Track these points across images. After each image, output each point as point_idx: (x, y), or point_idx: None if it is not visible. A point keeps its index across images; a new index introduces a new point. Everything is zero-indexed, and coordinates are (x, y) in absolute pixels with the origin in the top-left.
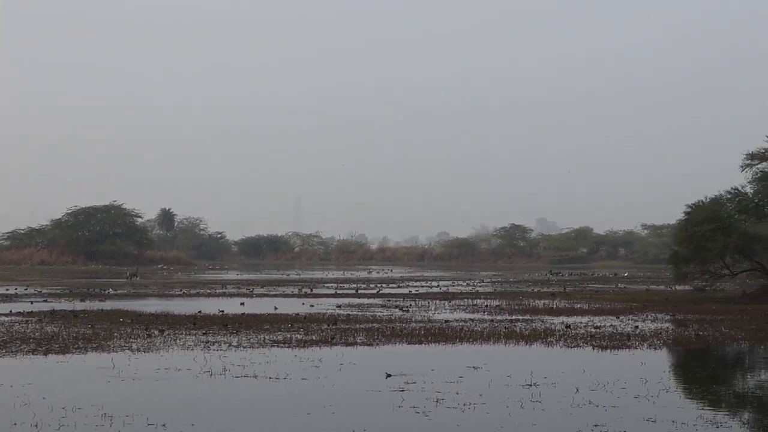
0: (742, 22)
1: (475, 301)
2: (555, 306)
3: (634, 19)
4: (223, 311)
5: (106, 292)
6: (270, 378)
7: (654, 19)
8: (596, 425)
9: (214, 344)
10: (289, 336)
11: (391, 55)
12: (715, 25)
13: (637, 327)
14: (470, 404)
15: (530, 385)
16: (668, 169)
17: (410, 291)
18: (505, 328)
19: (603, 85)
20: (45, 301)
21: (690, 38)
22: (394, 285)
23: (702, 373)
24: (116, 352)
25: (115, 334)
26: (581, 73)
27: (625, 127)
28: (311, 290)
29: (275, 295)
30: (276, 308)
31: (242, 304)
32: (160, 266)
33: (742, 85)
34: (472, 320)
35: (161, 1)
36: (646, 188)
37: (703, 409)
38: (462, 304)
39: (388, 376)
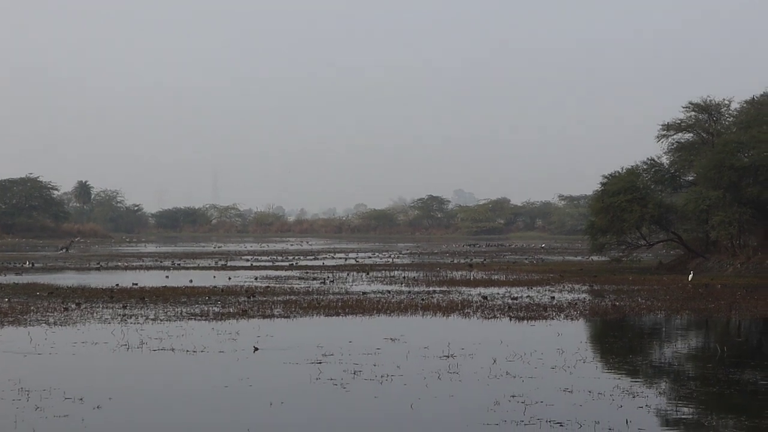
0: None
1: (392, 273)
2: (472, 277)
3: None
4: (136, 284)
5: (23, 265)
6: (187, 351)
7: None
8: (513, 396)
9: (131, 317)
10: (206, 309)
11: (306, 42)
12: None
13: (553, 298)
14: (388, 376)
15: (447, 357)
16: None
17: (327, 263)
18: (423, 299)
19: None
20: None
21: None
22: (311, 257)
23: (619, 344)
24: (33, 326)
25: (32, 307)
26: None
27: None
28: (228, 263)
29: (192, 268)
30: (191, 281)
31: (167, 277)
32: (76, 239)
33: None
34: (390, 292)
35: None
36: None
37: (619, 379)
38: (379, 276)
39: (255, 350)
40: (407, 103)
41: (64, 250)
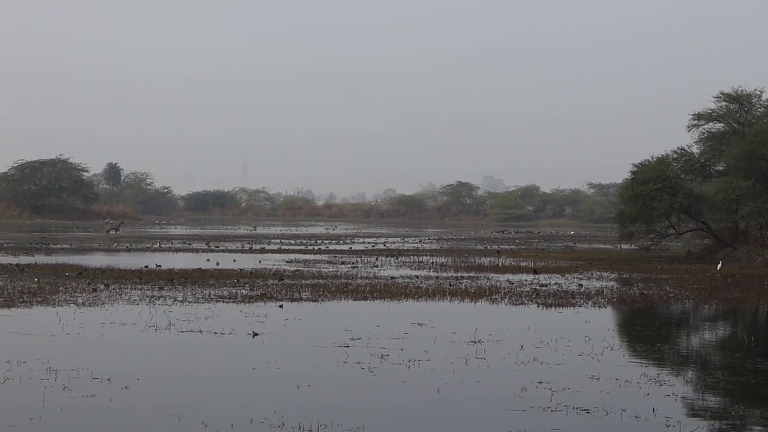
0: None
1: (420, 258)
2: (500, 264)
3: None
4: (159, 265)
5: (52, 246)
6: (215, 333)
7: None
8: (540, 382)
9: (159, 299)
10: (234, 291)
11: (337, 27)
12: None
13: (581, 285)
14: (415, 360)
15: (475, 342)
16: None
17: (356, 248)
18: (450, 285)
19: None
20: None
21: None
22: (340, 241)
23: (646, 332)
24: (61, 306)
25: (61, 288)
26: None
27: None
28: (254, 247)
29: (228, 251)
30: (218, 264)
31: (208, 260)
32: (106, 220)
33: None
34: (418, 277)
35: None
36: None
37: (647, 367)
38: (408, 261)
39: (255, 335)
40: (438, 88)
41: (114, 231)
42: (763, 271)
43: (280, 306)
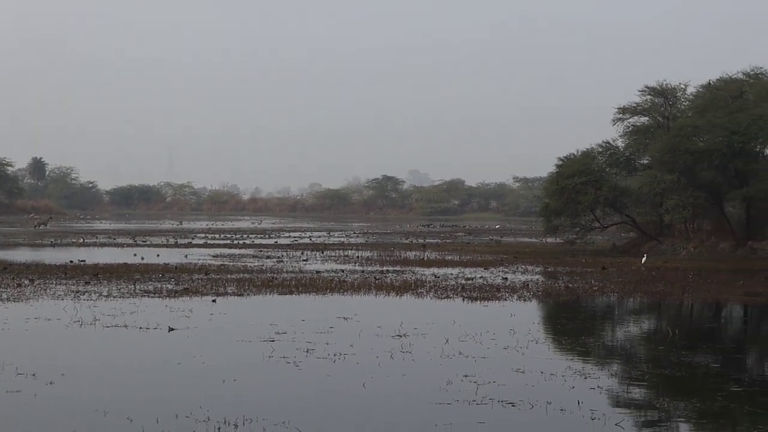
0: None
1: (346, 252)
2: (426, 258)
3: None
4: (83, 261)
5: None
6: (140, 328)
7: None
8: (466, 375)
9: (84, 294)
10: (159, 286)
11: (252, 21)
12: None
13: (506, 279)
14: (340, 354)
15: (400, 336)
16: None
17: (282, 242)
18: (376, 279)
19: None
20: None
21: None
22: (266, 236)
23: (571, 325)
24: None
25: None
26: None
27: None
28: (180, 241)
29: (153, 245)
30: (143, 258)
31: (135, 255)
32: (30, 215)
33: None
34: (344, 271)
35: None
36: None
37: (572, 360)
38: (333, 255)
39: (171, 329)
40: (362, 84)
41: (42, 226)
42: (687, 264)
43: (214, 300)
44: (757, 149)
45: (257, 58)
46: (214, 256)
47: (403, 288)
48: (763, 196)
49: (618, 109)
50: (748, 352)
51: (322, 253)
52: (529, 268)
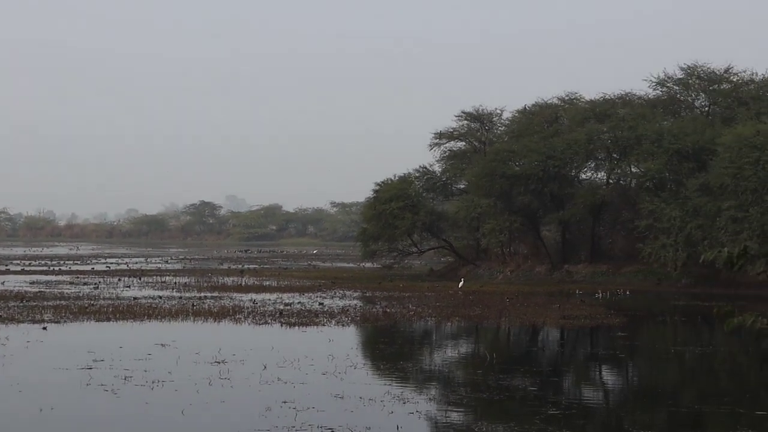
0: None
1: (164, 279)
2: (244, 283)
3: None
4: None
5: None
6: None
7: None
8: (285, 401)
9: None
10: None
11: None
12: None
13: (324, 304)
14: (159, 381)
15: (219, 362)
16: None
17: (99, 268)
18: (194, 305)
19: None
20: None
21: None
22: (83, 262)
23: (389, 350)
24: None
25: None
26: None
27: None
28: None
29: None
30: None
31: None
32: None
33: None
34: (161, 297)
35: None
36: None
37: (390, 385)
38: (151, 281)
39: None
40: (182, 109)
41: None
42: (504, 288)
43: (44, 328)
44: (572, 173)
45: (57, 75)
46: (30, 283)
47: (221, 314)
48: (578, 219)
49: (435, 134)
50: (565, 375)
51: (140, 279)
52: (347, 293)
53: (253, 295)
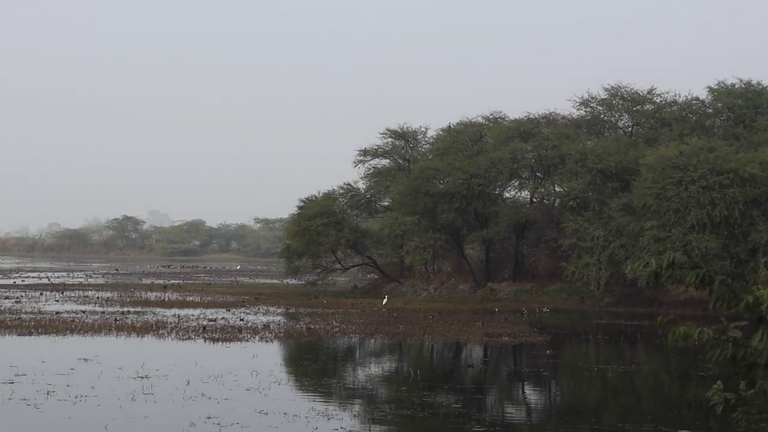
0: None
1: (86, 293)
2: (167, 298)
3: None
4: None
5: None
6: None
7: None
8: (209, 417)
9: None
10: None
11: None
12: None
13: (248, 320)
14: (81, 396)
15: (142, 378)
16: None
17: (20, 282)
18: (117, 320)
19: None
20: None
21: None
22: (4, 276)
23: (313, 366)
24: None
25: None
26: None
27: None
28: None
29: None
30: None
31: None
32: None
33: None
34: (84, 312)
35: None
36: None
37: (314, 401)
38: (73, 295)
39: None
40: (97, 127)
41: None
42: (427, 305)
43: None
44: (497, 192)
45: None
46: None
47: (144, 329)
48: (502, 238)
49: (359, 151)
50: (488, 392)
51: (62, 293)
52: (271, 309)
53: (177, 311)
